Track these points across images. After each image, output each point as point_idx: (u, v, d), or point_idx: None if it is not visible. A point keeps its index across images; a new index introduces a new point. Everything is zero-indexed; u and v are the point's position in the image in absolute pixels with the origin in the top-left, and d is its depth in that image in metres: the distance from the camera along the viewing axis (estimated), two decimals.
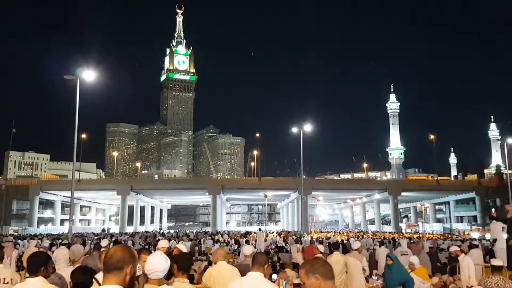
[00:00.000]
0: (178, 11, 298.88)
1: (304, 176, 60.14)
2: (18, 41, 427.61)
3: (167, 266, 4.34)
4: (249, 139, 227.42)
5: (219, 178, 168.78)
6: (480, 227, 72.42)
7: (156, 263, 4.27)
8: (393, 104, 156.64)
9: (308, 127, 49.90)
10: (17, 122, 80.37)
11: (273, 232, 51.41)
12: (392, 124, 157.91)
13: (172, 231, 66.95)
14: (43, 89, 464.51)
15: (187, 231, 61.21)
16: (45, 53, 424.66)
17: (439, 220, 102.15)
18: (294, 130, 50.41)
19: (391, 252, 15.11)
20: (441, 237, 46.49)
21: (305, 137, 49.84)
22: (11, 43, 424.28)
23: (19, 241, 30.60)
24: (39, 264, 4.59)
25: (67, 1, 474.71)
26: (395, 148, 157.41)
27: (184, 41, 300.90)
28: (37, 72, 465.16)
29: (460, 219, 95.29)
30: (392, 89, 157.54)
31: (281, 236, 41.27)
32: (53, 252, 17.43)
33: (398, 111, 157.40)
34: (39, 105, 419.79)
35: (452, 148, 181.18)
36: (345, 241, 28.43)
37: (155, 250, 7.58)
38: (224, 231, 57.78)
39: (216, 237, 35.88)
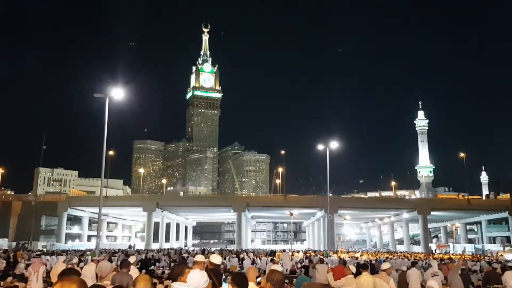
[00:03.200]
0: (204, 29, 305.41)
1: (331, 194, 59.35)
2: (50, 59, 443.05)
3: (206, 281, 4.36)
4: (274, 156, 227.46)
5: (244, 195, 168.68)
6: None
7: (197, 279, 4.31)
8: (421, 121, 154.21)
9: (334, 144, 49.45)
10: (47, 139, 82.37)
11: (299, 251, 50.66)
12: (421, 141, 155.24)
13: (197, 249, 66.87)
14: (73, 107, 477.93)
15: (213, 249, 60.97)
16: (75, 71, 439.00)
17: (470, 241, 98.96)
18: (320, 147, 50.00)
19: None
20: (473, 258, 44.79)
21: (331, 154, 49.39)
22: (42, 60, 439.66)
23: (48, 257, 31.14)
24: None
25: (95, 21, 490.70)
26: (424, 166, 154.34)
27: (210, 59, 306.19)
28: (67, 90, 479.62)
29: (493, 240, 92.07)
30: (420, 106, 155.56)
31: (307, 255, 40.63)
32: (81, 268, 17.60)
33: (427, 128, 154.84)
34: (68, 122, 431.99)
35: (483, 167, 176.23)
36: (373, 261, 27.71)
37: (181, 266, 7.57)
38: (249, 249, 57.30)
39: (241, 256, 35.54)
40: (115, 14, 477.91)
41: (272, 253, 43.28)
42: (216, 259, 7.21)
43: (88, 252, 33.82)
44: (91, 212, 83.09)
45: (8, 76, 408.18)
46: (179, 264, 20.30)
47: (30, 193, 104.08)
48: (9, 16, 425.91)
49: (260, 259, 32.87)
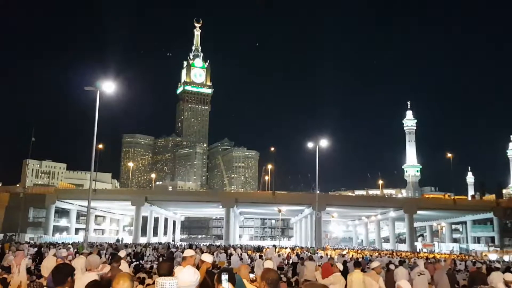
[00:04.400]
0: (196, 24, 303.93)
1: (318, 192, 59.80)
2: (39, 52, 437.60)
3: (198, 277, 4.44)
4: (263, 152, 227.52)
5: (232, 191, 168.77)
6: (498, 249, 70.92)
7: (188, 277, 4.37)
8: (409, 121, 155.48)
9: (323, 142, 49.78)
10: (35, 131, 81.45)
11: (286, 248, 51.02)
12: (409, 141, 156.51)
13: (184, 243, 66.93)
14: (62, 99, 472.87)
15: (201, 244, 61.11)
16: (65, 63, 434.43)
17: (455, 240, 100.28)
18: (310, 145, 50.34)
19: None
20: (460, 257, 45.59)
21: (320, 152, 49.74)
22: (32, 52, 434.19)
23: (34, 249, 31.04)
24: (66, 275, 4.83)
25: (85, 14, 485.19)
26: (411, 166, 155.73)
27: (201, 54, 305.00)
28: (56, 82, 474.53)
29: (477, 240, 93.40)
30: (409, 106, 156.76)
31: (294, 251, 40.98)
32: (69, 261, 17.65)
33: (415, 128, 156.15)
34: (57, 114, 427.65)
35: (469, 167, 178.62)
36: (359, 259, 28.10)
37: (169, 262, 7.56)
38: (237, 245, 57.55)
39: (229, 251, 35.76)
40: (106, 7, 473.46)
41: (260, 249, 43.59)
42: (208, 258, 7.34)
43: (69, 245, 33.66)
44: (79, 205, 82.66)
45: None
46: (167, 259, 20.42)
47: (18, 185, 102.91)
48: None
49: (248, 255, 33.14)
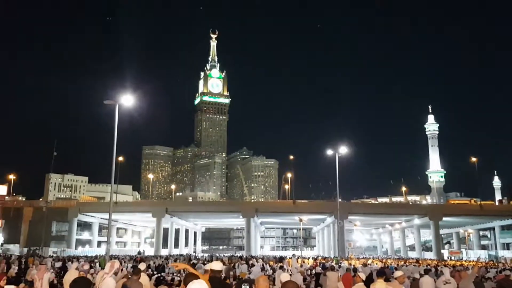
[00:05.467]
0: (212, 35, 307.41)
1: (340, 200, 58.97)
2: (60, 67, 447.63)
3: None
4: (282, 161, 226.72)
5: (252, 201, 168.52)
6: None
7: None
8: (431, 126, 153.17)
9: (343, 150, 49.13)
10: (57, 145, 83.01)
11: (308, 258, 50.31)
12: (431, 146, 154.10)
13: (206, 255, 66.78)
14: (83, 114, 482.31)
15: (222, 255, 60.84)
16: (84, 79, 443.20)
17: (483, 247, 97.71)
18: (330, 152, 49.74)
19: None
20: (487, 265, 44.07)
21: (341, 160, 49.10)
22: (53, 67, 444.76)
23: (59, 263, 31.31)
24: None
25: (103, 28, 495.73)
26: (435, 171, 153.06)
27: (218, 64, 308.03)
28: (76, 97, 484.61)
29: (507, 246, 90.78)
30: (430, 110, 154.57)
31: (317, 261, 40.31)
32: (91, 274, 17.61)
33: (437, 132, 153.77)
34: (78, 129, 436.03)
35: (495, 171, 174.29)
36: (383, 268, 27.38)
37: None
38: (259, 256, 57.05)
39: (251, 262, 35.37)
40: (124, 21, 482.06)
41: (281, 259, 43.04)
42: (216, 265, 7.13)
43: (96, 260, 33.86)
44: (101, 218, 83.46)
45: (19, 82, 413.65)
46: (191, 272, 20.20)
47: (41, 199, 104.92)
48: (19, 22, 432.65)
49: (270, 266, 32.71)
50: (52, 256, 50.64)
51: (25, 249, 66.90)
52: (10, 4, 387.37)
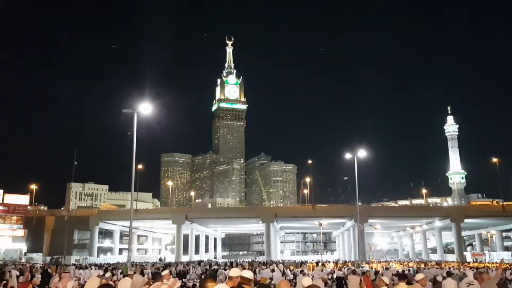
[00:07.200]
0: (228, 42, 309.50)
1: (360, 203, 58.49)
2: (79, 77, 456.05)
3: None
4: (301, 166, 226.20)
5: (272, 206, 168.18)
6: None
7: None
8: (451, 127, 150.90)
9: (362, 153, 48.77)
10: (77, 154, 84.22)
11: (329, 262, 50.00)
12: (451, 147, 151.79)
13: (226, 260, 66.86)
14: (102, 122, 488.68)
15: (242, 260, 60.89)
16: (103, 88, 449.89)
17: (507, 249, 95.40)
18: (348, 156, 49.46)
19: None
20: (510, 266, 43.03)
21: (360, 163, 48.78)
22: (72, 78, 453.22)
23: (81, 271, 31.77)
24: None
25: (121, 38, 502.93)
26: (456, 173, 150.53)
27: (234, 70, 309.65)
28: (96, 105, 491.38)
29: None
30: (449, 111, 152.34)
31: (338, 265, 40.07)
32: (114, 282, 17.84)
33: (457, 133, 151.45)
34: (98, 137, 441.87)
35: None
36: (405, 272, 27.08)
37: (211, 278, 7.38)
38: (279, 261, 56.89)
39: (271, 267, 35.31)
40: (140, 30, 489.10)
41: (302, 264, 42.89)
42: (247, 274, 7.20)
43: (119, 270, 34.21)
44: (122, 226, 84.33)
45: (39, 93, 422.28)
46: (210, 276, 20.33)
47: (62, 208, 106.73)
48: (39, 33, 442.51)
49: (290, 270, 32.63)
50: (75, 264, 51.36)
51: (48, 258, 67.94)
52: (27, 14, 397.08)
